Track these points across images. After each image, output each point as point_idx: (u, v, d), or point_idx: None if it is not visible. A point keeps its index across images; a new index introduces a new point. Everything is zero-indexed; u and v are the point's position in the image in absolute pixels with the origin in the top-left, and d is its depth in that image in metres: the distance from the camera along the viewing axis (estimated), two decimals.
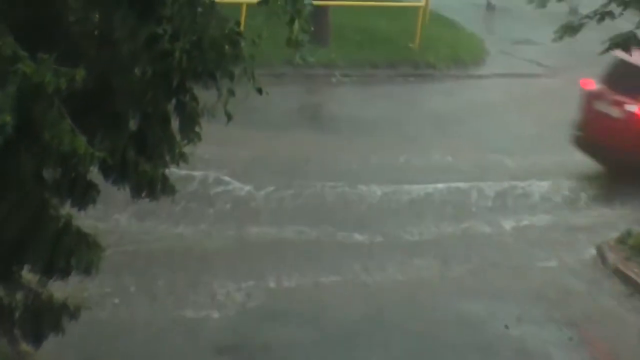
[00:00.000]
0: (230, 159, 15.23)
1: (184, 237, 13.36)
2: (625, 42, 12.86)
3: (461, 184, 15.97)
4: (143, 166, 8.17)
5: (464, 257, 13.39)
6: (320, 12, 18.65)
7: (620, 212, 15.13)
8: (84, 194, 8.19)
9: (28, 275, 8.60)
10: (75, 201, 8.13)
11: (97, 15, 7.85)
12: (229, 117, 7.92)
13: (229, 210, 14.59)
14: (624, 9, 12.89)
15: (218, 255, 13.07)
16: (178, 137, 8.23)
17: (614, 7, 12.95)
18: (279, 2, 8.49)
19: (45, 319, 8.86)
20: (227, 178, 14.98)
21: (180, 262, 12.78)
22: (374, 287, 12.82)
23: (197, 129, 8.36)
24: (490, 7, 24.30)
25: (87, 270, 8.32)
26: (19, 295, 8.77)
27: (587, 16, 13.24)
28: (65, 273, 8.47)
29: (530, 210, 15.56)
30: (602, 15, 13.03)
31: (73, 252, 8.29)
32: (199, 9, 7.86)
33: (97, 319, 10.19)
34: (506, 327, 12.34)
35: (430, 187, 15.80)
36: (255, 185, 14.86)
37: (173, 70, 7.89)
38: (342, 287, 12.75)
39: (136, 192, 8.29)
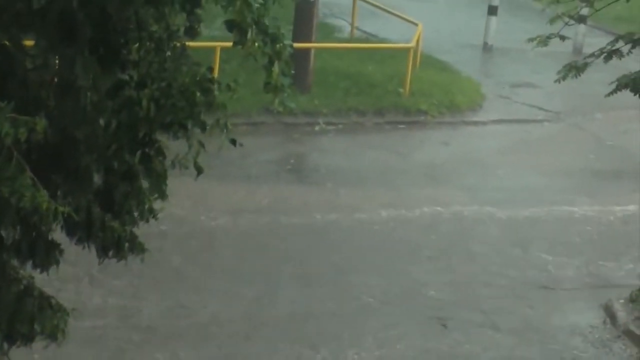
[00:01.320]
0: (204, 215, 15.11)
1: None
2: (634, 83, 12.83)
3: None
4: (110, 223, 8.25)
5: None
6: (301, 55, 18.75)
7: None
8: (47, 255, 8.28)
9: None
10: (36, 262, 8.21)
11: (56, 62, 7.91)
12: (200, 170, 8.07)
13: None
14: (633, 47, 12.93)
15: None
16: (147, 192, 8.20)
17: (621, 45, 12.84)
18: (256, 44, 8.48)
19: None
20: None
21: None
22: None
23: (163, 185, 8.54)
24: (487, 48, 24.09)
25: (52, 335, 8.40)
26: None
27: (593, 55, 13.19)
28: (28, 339, 8.53)
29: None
30: (609, 53, 13.04)
31: (36, 316, 8.41)
32: (168, 53, 7.94)
33: None
34: None
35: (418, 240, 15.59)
36: None
37: (140, 121, 8.03)
38: None
39: (103, 252, 8.37)
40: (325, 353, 12.99)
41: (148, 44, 8.00)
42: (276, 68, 8.65)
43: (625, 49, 12.94)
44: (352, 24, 23.43)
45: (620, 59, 13.00)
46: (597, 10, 13.80)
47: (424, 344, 13.32)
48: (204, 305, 13.70)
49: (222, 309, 13.74)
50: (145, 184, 8.48)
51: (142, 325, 12.91)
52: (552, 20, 13.35)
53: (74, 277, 8.96)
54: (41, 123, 7.18)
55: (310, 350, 12.91)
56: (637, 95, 13.00)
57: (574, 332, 13.88)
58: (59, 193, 7.87)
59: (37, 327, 8.41)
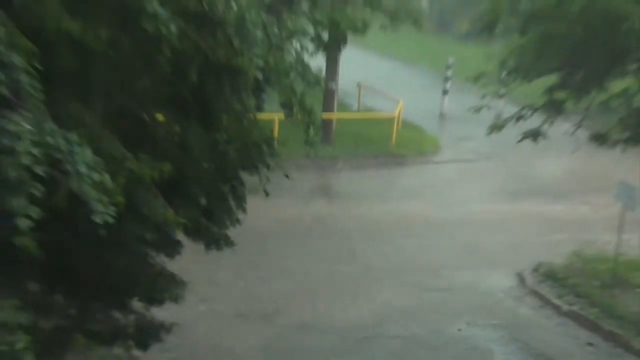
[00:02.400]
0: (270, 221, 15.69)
1: None
2: (533, 134, 13.15)
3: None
4: (211, 229, 8.32)
5: None
6: (327, 121, 20.53)
7: None
8: (173, 249, 8.33)
9: (137, 304, 8.72)
10: (166, 253, 8.37)
11: (177, 128, 7.72)
12: (266, 194, 8.26)
13: None
14: (532, 114, 13.20)
15: None
16: (234, 208, 8.49)
17: (525, 112, 13.20)
18: (299, 116, 8.51)
19: (149, 333, 8.94)
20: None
21: None
22: None
23: (244, 204, 8.45)
24: (442, 116, 26.01)
25: (176, 300, 8.53)
26: (131, 317, 8.82)
27: (508, 118, 13.59)
28: (160, 302, 8.69)
29: None
30: (518, 118, 13.45)
31: (166, 288, 8.44)
32: (245, 122, 7.89)
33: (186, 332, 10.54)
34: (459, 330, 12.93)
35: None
36: None
37: (228, 165, 8.01)
38: None
39: (207, 246, 8.50)
40: None
41: (232, 115, 7.75)
42: (311, 131, 8.71)
43: (527, 114, 13.23)
44: (358, 102, 23.98)
45: (525, 121, 13.32)
46: (511, 90, 14.35)
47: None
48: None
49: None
50: (232, 203, 8.36)
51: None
52: (483, 97, 13.54)
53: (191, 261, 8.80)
54: (167, 167, 7.16)
55: None
56: (535, 141, 13.27)
57: (498, 290, 14.32)
58: (179, 210, 7.54)
59: (166, 295, 8.39)
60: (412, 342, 11.93)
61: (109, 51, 6.41)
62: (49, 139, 5.45)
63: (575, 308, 12.98)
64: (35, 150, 5.34)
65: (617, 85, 12.91)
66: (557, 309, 13.17)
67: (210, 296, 12.50)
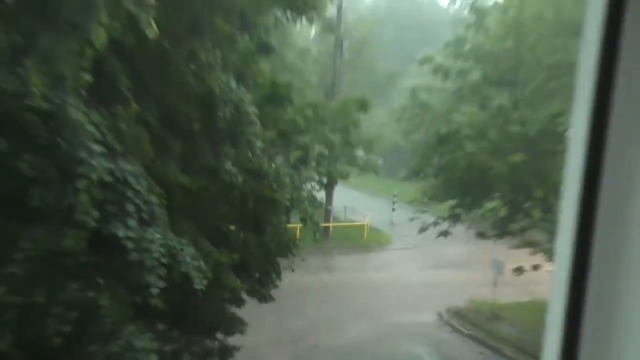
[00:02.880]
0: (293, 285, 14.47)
1: None
2: (444, 233, 12.84)
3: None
4: (261, 291, 7.94)
5: None
6: (326, 228, 20.15)
7: None
8: (239, 303, 7.82)
9: (220, 335, 7.92)
10: (236, 305, 7.90)
11: (242, 234, 7.53)
12: (292, 270, 8.08)
13: None
14: (443, 221, 12.92)
15: None
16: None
17: (440, 221, 13.01)
18: (310, 226, 7.93)
19: (226, 352, 8.09)
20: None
21: None
22: None
23: (279, 276, 7.98)
24: (392, 223, 24.53)
25: (241, 332, 7.88)
26: (216, 343, 8.01)
27: (430, 224, 13.21)
28: (233, 334, 7.90)
29: None
30: (435, 224, 13.16)
31: (236, 326, 7.79)
32: (280, 229, 7.70)
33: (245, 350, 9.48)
34: None
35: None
36: None
37: (270, 254, 7.74)
38: None
39: (259, 301, 8.07)
40: None
41: (273, 226, 7.49)
42: (317, 234, 8.56)
43: (440, 222, 12.98)
44: (344, 216, 24.15)
45: (439, 225, 12.96)
46: (430, 209, 14.16)
47: None
48: None
49: None
50: (273, 275, 7.86)
51: None
52: (415, 213, 13.30)
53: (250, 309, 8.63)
54: (236, 257, 6.93)
55: None
56: (445, 237, 12.91)
57: (427, 322, 14.34)
58: (243, 281, 7.27)
59: (235, 329, 7.83)
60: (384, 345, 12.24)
61: (204, 192, 6.65)
62: (170, 242, 5.65)
63: (471, 332, 13.21)
64: (161, 249, 5.50)
65: (489, 204, 13.18)
66: (461, 332, 13.32)
67: (259, 329, 11.80)
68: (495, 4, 11.62)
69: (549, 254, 11.42)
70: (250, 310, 8.41)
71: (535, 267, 11.09)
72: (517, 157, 10.22)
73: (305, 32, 21.93)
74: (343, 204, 23.14)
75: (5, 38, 4.66)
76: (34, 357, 5.44)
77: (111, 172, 5.14)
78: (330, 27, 17.89)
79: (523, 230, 11.72)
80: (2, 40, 4.65)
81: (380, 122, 21.73)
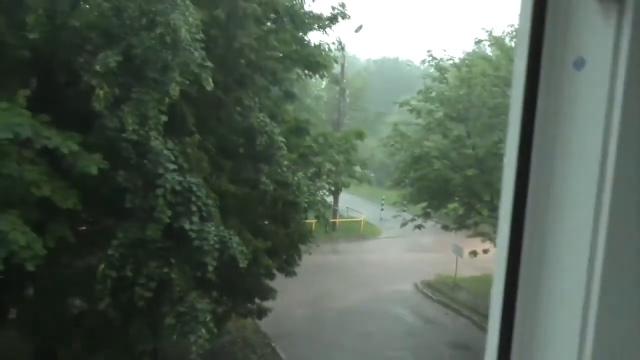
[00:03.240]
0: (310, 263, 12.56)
1: None
2: (419, 226, 11.83)
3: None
4: (288, 268, 7.56)
5: None
6: (334, 223, 19.02)
7: None
8: (271, 276, 7.46)
9: (257, 300, 7.69)
10: (269, 278, 7.56)
11: (273, 227, 7.26)
12: (310, 253, 7.77)
13: None
14: (418, 218, 12.07)
15: None
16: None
17: (415, 217, 12.14)
18: (322, 221, 7.41)
19: (262, 312, 7.88)
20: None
21: None
22: None
23: (300, 258, 7.57)
24: (381, 219, 22.33)
25: (273, 298, 7.56)
26: (254, 306, 7.78)
27: (409, 220, 12.14)
28: (267, 299, 7.62)
29: None
30: (412, 220, 12.07)
31: (269, 292, 7.42)
32: (301, 224, 7.35)
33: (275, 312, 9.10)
34: None
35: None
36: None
37: (294, 242, 7.37)
38: None
39: (286, 275, 7.66)
40: None
41: (295, 221, 7.20)
42: (328, 227, 8.65)
43: (416, 218, 12.02)
44: (347, 214, 22.47)
45: (415, 221, 11.98)
46: (409, 209, 13.10)
47: None
48: None
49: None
50: (296, 257, 7.46)
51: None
52: (398, 211, 12.29)
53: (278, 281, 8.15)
54: (269, 244, 6.67)
55: None
56: (420, 229, 11.84)
57: (406, 290, 13.49)
58: (274, 261, 7.00)
59: (269, 295, 7.40)
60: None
61: (246, 197, 6.57)
62: (221, 233, 5.53)
63: (439, 298, 12.82)
64: (215, 238, 5.44)
65: (451, 205, 12.47)
66: (431, 298, 12.89)
67: (287, 296, 10.67)
68: (453, 63, 11.62)
69: (495, 241, 11.05)
70: (279, 282, 8.20)
71: (485, 251, 10.85)
72: (470, 172, 10.22)
73: (318, 84, 22.24)
74: (346, 205, 22.36)
75: (110, 92, 4.95)
76: (125, 315, 5.58)
77: (180, 183, 5.33)
78: (336, 80, 18.32)
79: (476, 224, 11.54)
80: (108, 93, 4.92)
81: (372, 147, 20.95)
